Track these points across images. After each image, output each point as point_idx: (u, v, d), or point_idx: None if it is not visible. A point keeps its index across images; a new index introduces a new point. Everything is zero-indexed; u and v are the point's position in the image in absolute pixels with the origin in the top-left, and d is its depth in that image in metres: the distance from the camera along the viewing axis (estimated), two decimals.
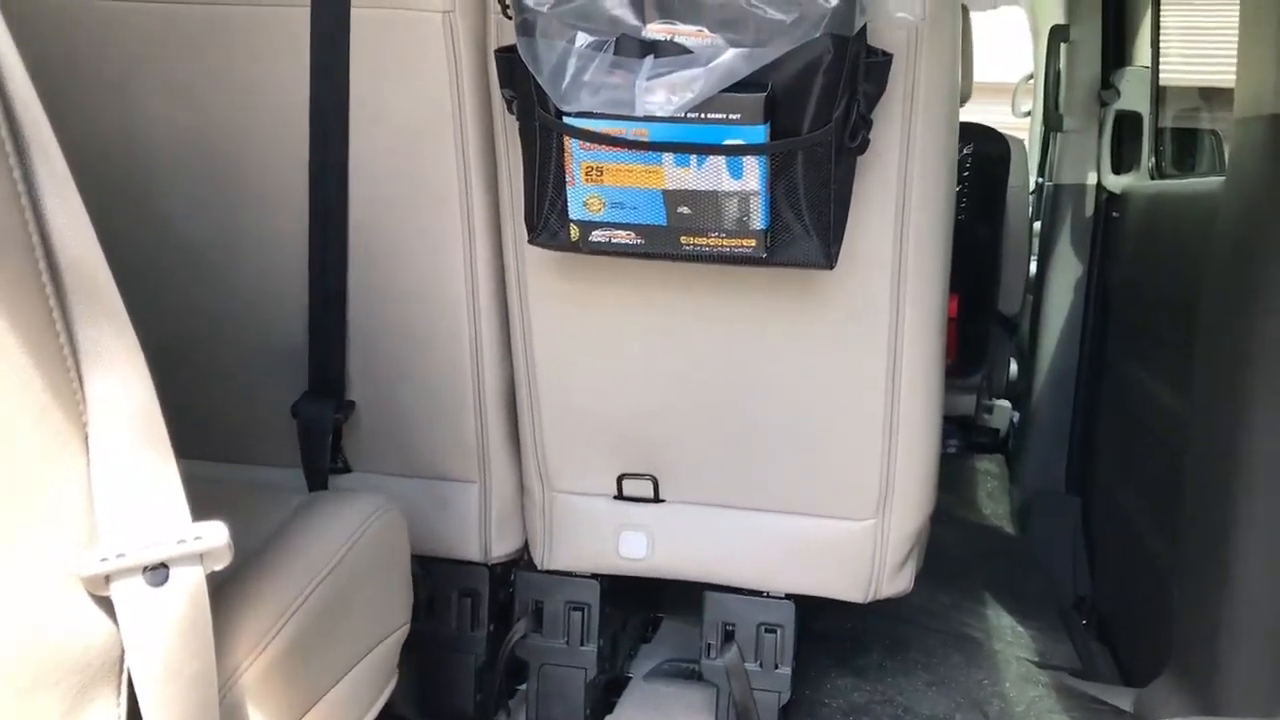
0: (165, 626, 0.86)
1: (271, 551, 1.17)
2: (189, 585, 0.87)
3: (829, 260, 1.35)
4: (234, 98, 1.54)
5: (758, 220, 1.31)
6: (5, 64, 0.78)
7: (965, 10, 3.22)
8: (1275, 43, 1.51)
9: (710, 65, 1.21)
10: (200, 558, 0.87)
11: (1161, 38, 2.83)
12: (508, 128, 1.50)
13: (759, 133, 1.25)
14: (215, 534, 0.87)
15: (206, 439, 1.73)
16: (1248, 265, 1.56)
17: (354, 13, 1.46)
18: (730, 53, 1.21)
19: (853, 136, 1.30)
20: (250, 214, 1.60)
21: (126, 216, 1.61)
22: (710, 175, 1.28)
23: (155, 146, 1.57)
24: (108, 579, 0.83)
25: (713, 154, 1.27)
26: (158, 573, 0.85)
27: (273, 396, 1.66)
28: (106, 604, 0.84)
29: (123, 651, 0.85)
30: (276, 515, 1.27)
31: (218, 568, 0.89)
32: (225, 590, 1.07)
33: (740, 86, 1.23)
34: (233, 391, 1.73)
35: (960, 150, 3.06)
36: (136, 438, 0.85)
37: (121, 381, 0.84)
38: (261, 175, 1.57)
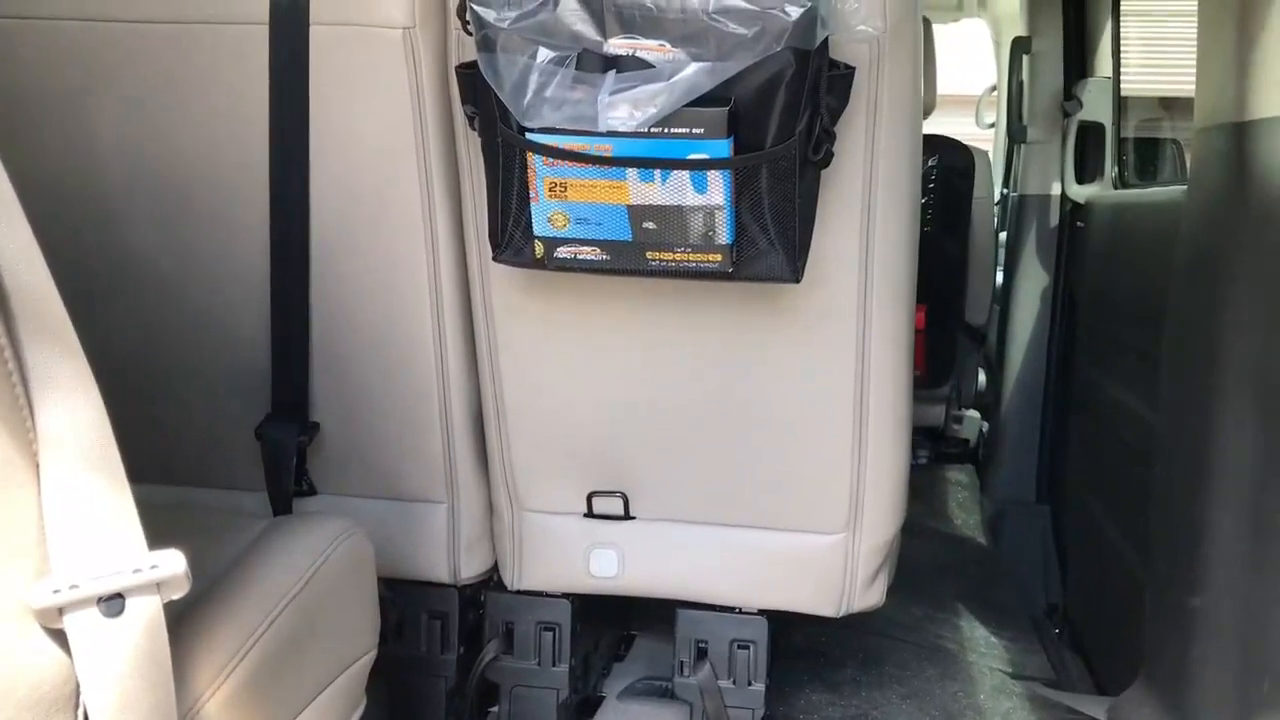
0: (121, 658, 0.84)
1: (233, 578, 1.15)
2: (146, 615, 0.85)
3: (795, 274, 1.35)
4: (192, 117, 1.52)
5: (723, 235, 1.31)
6: None
7: (928, 22, 3.26)
8: (1233, 52, 1.52)
9: (672, 80, 1.20)
10: (157, 587, 0.85)
11: (1122, 48, 2.86)
12: (470, 144, 1.48)
13: (723, 147, 1.25)
14: (172, 562, 0.85)
15: (170, 463, 1.71)
16: (1210, 273, 1.57)
17: (313, 30, 1.44)
18: (692, 67, 1.20)
19: (816, 149, 1.30)
20: (211, 234, 1.58)
21: (85, 238, 1.58)
22: (675, 190, 1.28)
23: (113, 167, 1.55)
24: (61, 611, 0.81)
25: (677, 169, 1.26)
26: (113, 603, 0.83)
27: (237, 419, 1.64)
28: (60, 636, 0.82)
29: (78, 685, 0.83)
30: (239, 540, 1.25)
31: (175, 597, 0.87)
32: (186, 618, 1.05)
33: (703, 101, 1.22)
34: (196, 415, 1.70)
35: (925, 162, 3.08)
36: (89, 465, 0.83)
37: (73, 408, 0.82)
38: (222, 195, 1.55)
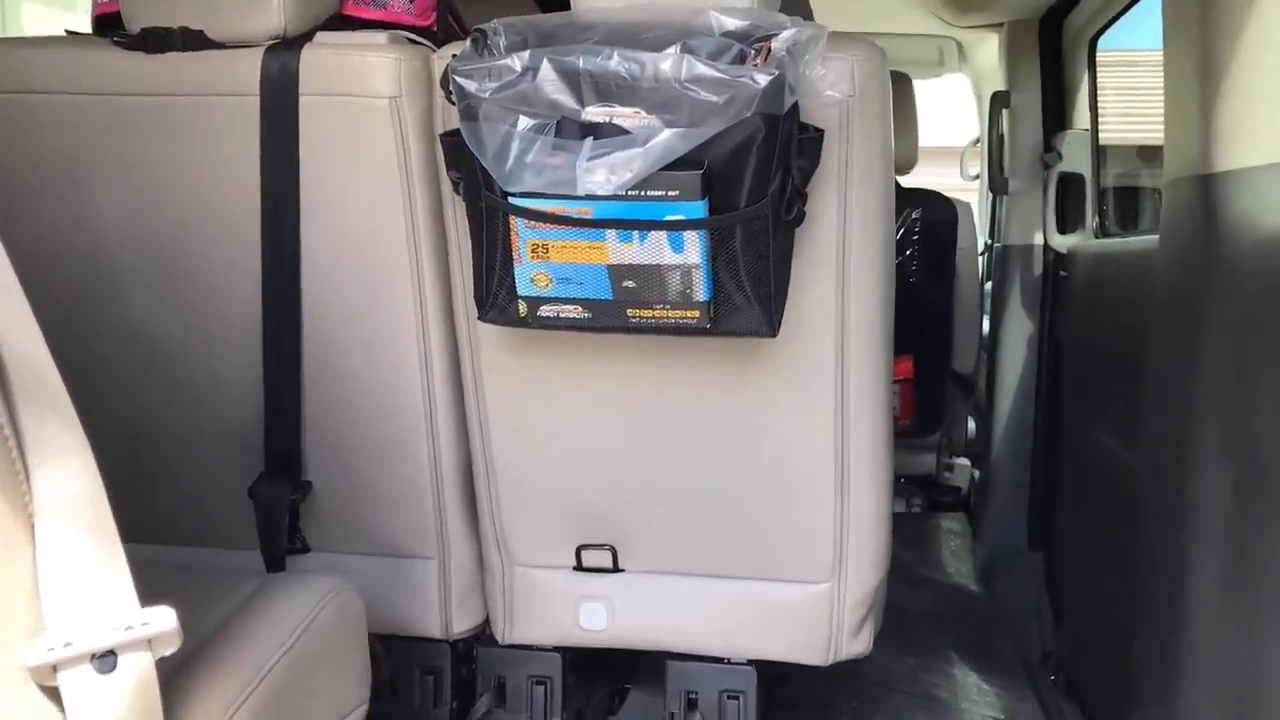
0: (114, 714, 0.86)
1: (224, 636, 1.17)
2: (137, 671, 0.87)
3: (772, 328, 1.39)
4: (187, 187, 1.56)
5: (700, 292, 1.35)
6: None
7: (909, 79, 3.31)
8: (1197, 107, 1.56)
9: (648, 145, 1.25)
10: (149, 643, 0.88)
11: (1100, 99, 2.92)
12: (456, 209, 1.53)
13: (697, 208, 1.29)
14: (163, 619, 0.88)
15: (167, 523, 1.73)
16: (1183, 322, 1.60)
17: (302, 101, 1.49)
18: (666, 133, 1.25)
19: (788, 209, 1.34)
20: (205, 300, 1.62)
21: (83, 306, 1.62)
22: (653, 250, 1.32)
23: (110, 237, 1.59)
24: (55, 668, 0.84)
25: (654, 229, 1.31)
26: (106, 660, 0.86)
27: (231, 479, 1.67)
28: (54, 694, 0.84)
29: None
30: (231, 600, 1.27)
31: (167, 653, 0.89)
32: (179, 676, 1.07)
33: (678, 165, 1.27)
34: (192, 476, 1.73)
35: (910, 215, 3.13)
36: (82, 527, 0.86)
37: (67, 472, 0.85)
38: (216, 262, 1.60)
